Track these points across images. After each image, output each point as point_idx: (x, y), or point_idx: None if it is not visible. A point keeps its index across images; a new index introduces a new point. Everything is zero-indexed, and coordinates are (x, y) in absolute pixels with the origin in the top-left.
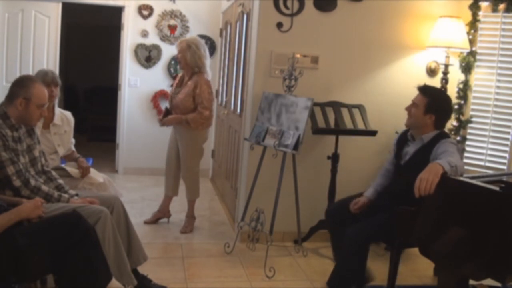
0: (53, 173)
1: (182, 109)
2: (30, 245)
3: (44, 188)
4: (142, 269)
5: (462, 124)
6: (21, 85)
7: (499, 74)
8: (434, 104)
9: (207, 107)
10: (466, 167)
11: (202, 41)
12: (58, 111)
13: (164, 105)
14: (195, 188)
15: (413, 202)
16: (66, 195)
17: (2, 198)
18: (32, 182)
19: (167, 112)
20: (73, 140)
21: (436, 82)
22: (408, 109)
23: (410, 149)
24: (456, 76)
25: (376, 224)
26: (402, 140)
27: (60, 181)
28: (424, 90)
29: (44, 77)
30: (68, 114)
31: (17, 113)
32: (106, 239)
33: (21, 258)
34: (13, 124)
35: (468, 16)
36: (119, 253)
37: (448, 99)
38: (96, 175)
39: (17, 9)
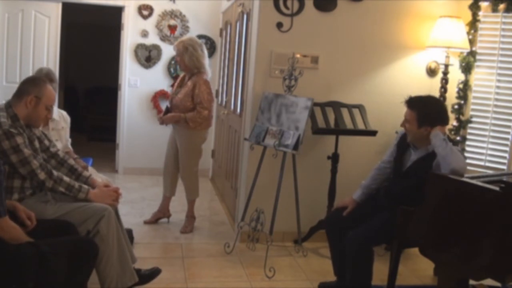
0: (61, 155)
1: (182, 109)
2: (51, 252)
3: (66, 179)
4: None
5: (462, 124)
6: (33, 84)
7: (499, 74)
8: (424, 115)
9: (206, 107)
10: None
11: (199, 41)
12: (55, 107)
13: (164, 105)
14: (194, 188)
15: (412, 204)
16: (86, 187)
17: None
18: (55, 172)
19: (167, 111)
20: (69, 139)
21: (436, 82)
22: (403, 125)
23: (413, 156)
24: (456, 76)
25: (376, 226)
26: (404, 144)
27: (71, 162)
28: (410, 103)
29: (39, 72)
30: (64, 112)
31: (26, 112)
32: (110, 236)
33: (45, 262)
34: (22, 125)
35: (468, 16)
36: (122, 250)
37: (437, 105)
38: (95, 176)
39: (17, 9)
